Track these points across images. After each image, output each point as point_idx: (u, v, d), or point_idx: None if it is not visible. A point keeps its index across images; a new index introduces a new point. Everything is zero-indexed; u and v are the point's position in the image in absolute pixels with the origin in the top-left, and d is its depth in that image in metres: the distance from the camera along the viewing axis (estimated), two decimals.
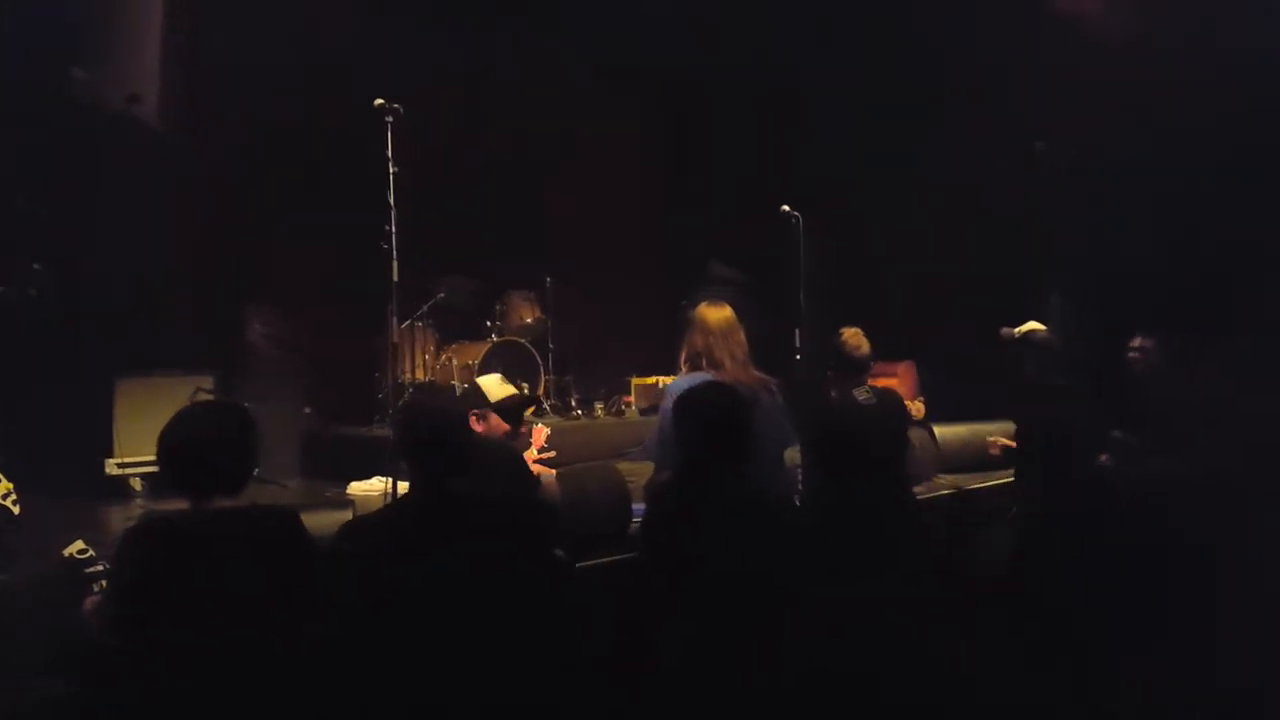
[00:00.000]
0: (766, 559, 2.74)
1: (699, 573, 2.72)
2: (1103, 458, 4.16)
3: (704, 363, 3.81)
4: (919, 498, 5.14)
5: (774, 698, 2.51)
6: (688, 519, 2.82)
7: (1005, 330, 5.46)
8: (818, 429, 4.00)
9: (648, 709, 2.59)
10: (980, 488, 5.44)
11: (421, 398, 5.19)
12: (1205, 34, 5.72)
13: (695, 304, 4.46)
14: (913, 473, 5.31)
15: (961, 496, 5.35)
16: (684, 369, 3.93)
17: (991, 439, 4.89)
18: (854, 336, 4.17)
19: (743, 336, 3.88)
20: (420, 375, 6.53)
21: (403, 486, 3.93)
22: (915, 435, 5.59)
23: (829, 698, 2.49)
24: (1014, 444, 4.44)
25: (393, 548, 2.51)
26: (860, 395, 4.08)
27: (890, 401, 4.25)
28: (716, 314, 3.91)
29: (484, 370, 6.35)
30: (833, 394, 4.13)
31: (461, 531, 2.55)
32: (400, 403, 5.43)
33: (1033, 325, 5.41)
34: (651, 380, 6.94)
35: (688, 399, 3.01)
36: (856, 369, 4.13)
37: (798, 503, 3.91)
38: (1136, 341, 4.96)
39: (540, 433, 4.39)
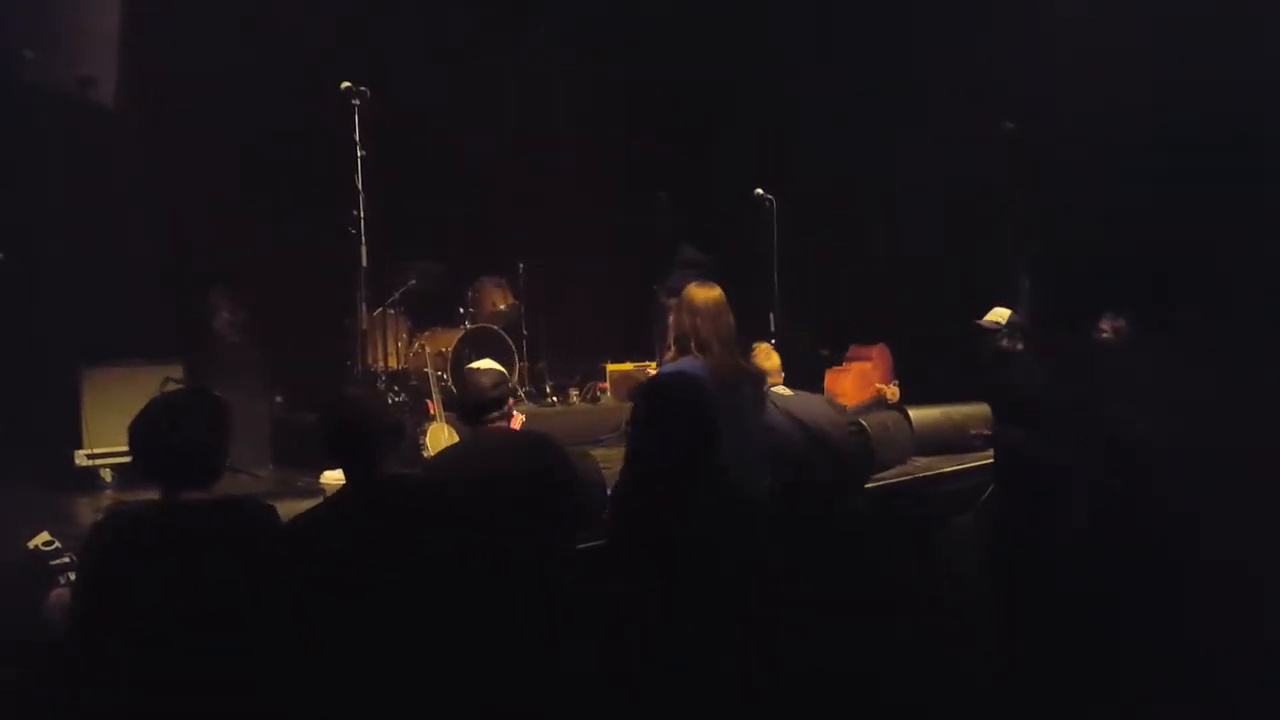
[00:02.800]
0: (734, 551, 2.72)
1: (665, 563, 2.68)
2: None
3: (691, 345, 3.73)
4: (893, 481, 5.20)
5: (743, 689, 2.52)
6: (656, 510, 2.78)
7: (987, 319, 5.51)
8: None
9: (610, 698, 2.58)
10: (954, 470, 5.48)
11: (341, 391, 5.15)
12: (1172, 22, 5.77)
13: (667, 289, 4.47)
14: (887, 456, 5.36)
15: (934, 479, 5.38)
16: (671, 351, 3.86)
17: (975, 432, 4.93)
18: (761, 353, 4.31)
19: (731, 320, 3.82)
20: (393, 363, 6.47)
21: None
22: (890, 418, 5.63)
23: (801, 690, 2.50)
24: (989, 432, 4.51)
25: (326, 541, 2.49)
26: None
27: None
28: (706, 295, 3.81)
29: (457, 357, 6.31)
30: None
31: (396, 520, 2.52)
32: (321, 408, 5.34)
33: (1001, 312, 5.47)
34: (627, 366, 6.92)
35: (659, 388, 2.97)
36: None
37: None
38: (1105, 322, 5.01)
39: (516, 420, 4.36)
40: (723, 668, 2.50)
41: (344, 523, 2.52)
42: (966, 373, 6.17)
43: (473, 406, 3.42)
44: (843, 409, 5.15)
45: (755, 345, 4.33)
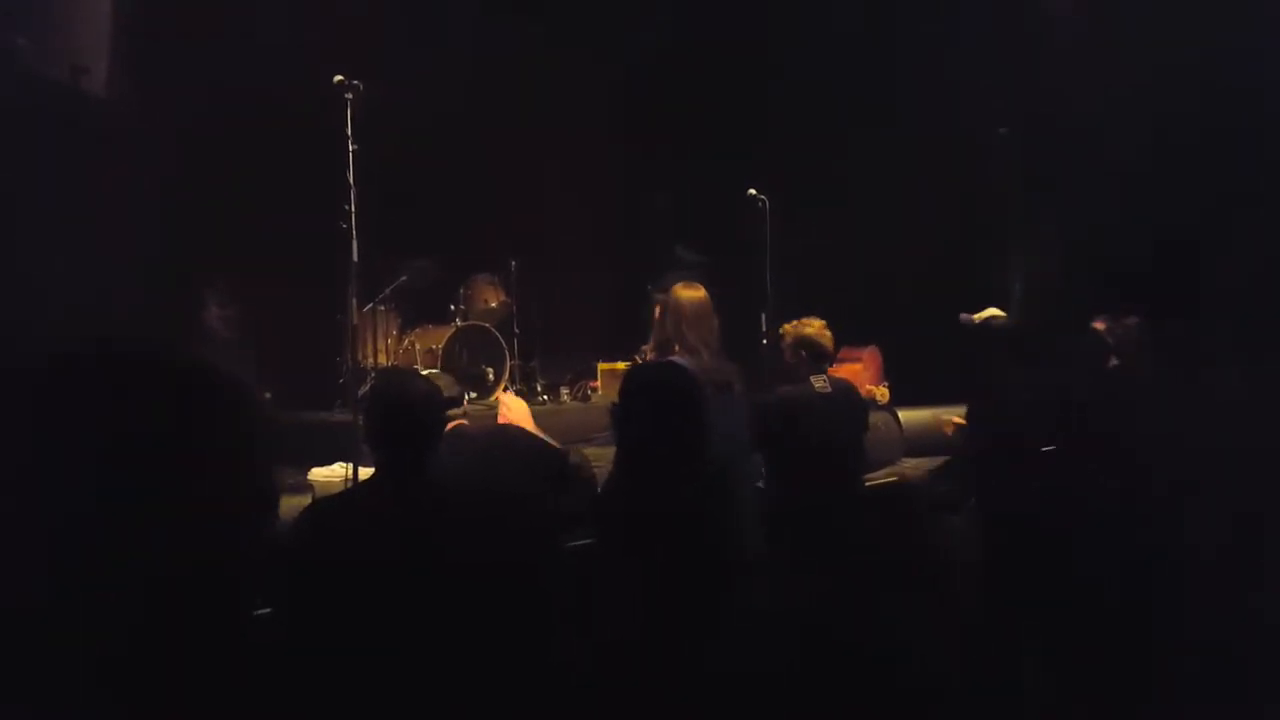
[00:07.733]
0: (717, 548, 2.69)
1: (651, 554, 2.65)
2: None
3: (675, 347, 3.70)
4: (881, 482, 5.19)
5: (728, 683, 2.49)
6: (643, 499, 2.74)
7: (964, 316, 5.49)
8: (772, 418, 4.00)
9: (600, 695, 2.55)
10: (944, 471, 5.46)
11: (393, 377, 5.11)
12: (1168, 20, 5.78)
13: (661, 288, 4.43)
14: (877, 457, 5.35)
15: (922, 480, 5.37)
16: (652, 352, 3.85)
17: (945, 419, 4.90)
18: (821, 330, 4.20)
19: (715, 322, 3.80)
20: (382, 360, 6.44)
21: (365, 472, 3.87)
22: (880, 419, 5.62)
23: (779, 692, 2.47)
24: (964, 422, 4.47)
25: (357, 530, 2.44)
26: (817, 384, 4.09)
27: (849, 391, 4.25)
28: (691, 295, 3.79)
29: (448, 355, 6.29)
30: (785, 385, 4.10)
31: (431, 517, 2.48)
32: (370, 384, 5.33)
33: (993, 311, 5.45)
34: (619, 365, 6.90)
35: (637, 379, 2.93)
36: (819, 359, 4.13)
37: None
38: (1101, 324, 5.00)
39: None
40: (707, 664, 2.48)
41: (378, 514, 2.43)
42: (956, 374, 6.18)
43: None
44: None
45: (810, 320, 4.20)
